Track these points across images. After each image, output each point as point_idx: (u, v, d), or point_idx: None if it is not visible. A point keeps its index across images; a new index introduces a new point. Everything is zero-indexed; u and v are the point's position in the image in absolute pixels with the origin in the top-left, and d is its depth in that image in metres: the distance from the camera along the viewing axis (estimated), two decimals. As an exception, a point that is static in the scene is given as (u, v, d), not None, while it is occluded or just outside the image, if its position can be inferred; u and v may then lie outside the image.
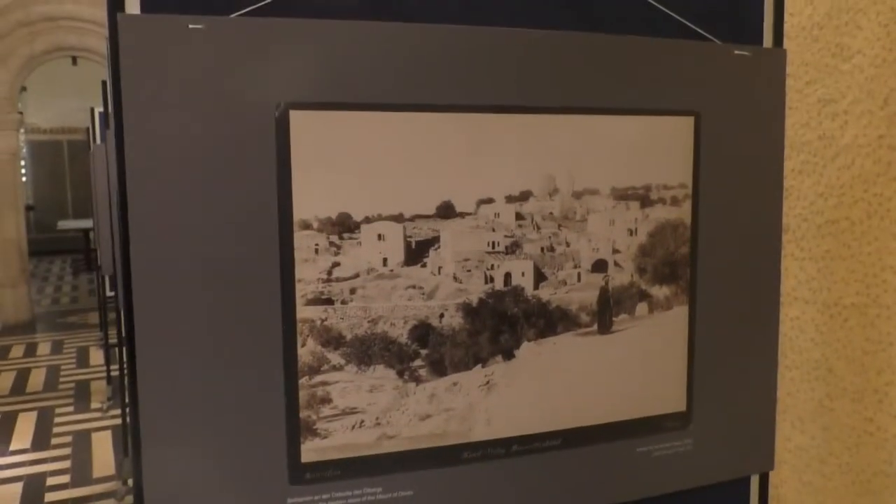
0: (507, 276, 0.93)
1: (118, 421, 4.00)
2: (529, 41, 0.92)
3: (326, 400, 0.86)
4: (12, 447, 3.98)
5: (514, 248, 0.93)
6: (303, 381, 0.85)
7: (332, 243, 0.85)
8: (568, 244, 0.96)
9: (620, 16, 1.03)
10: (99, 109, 4.37)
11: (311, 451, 0.86)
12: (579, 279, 0.96)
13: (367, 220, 0.86)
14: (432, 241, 0.89)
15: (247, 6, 0.84)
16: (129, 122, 0.80)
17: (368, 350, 0.87)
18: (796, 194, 1.33)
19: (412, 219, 0.88)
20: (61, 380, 5.19)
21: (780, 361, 1.26)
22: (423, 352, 0.89)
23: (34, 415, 4.47)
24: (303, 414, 0.86)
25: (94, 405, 4.63)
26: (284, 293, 0.84)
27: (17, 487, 3.49)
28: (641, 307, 1.00)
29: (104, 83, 3.54)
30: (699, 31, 1.02)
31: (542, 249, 0.94)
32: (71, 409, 4.59)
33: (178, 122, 0.81)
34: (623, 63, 0.98)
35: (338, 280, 0.85)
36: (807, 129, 1.31)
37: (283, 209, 0.84)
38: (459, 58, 0.89)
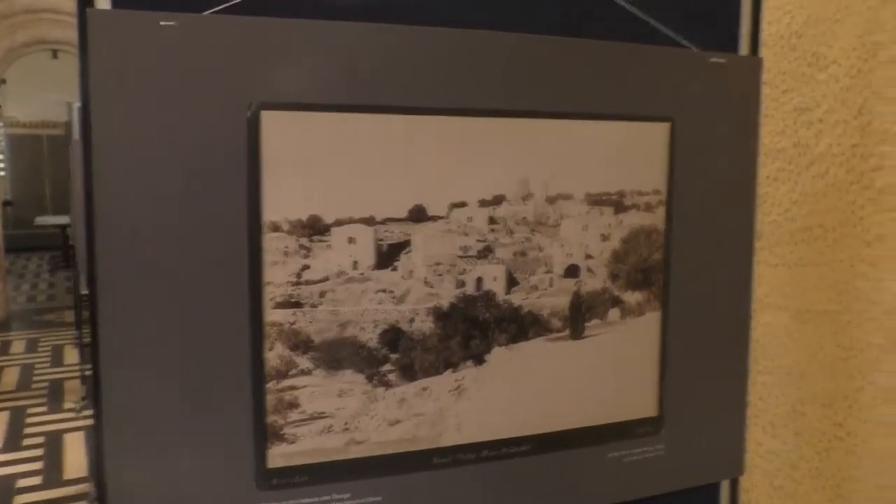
0: (479, 280, 0.92)
1: (91, 422, 3.94)
2: (504, 45, 0.92)
3: (294, 405, 0.85)
4: (-17, 448, 3.93)
5: (486, 253, 0.92)
6: (270, 385, 0.84)
7: (301, 246, 0.84)
8: (541, 249, 0.95)
9: (597, 21, 1.02)
10: (78, 104, 4.32)
11: (277, 456, 0.85)
12: (551, 284, 0.96)
13: (338, 222, 0.85)
14: (403, 245, 0.88)
15: (219, 4, 0.83)
16: (97, 119, 0.78)
17: (337, 354, 0.86)
18: (771, 201, 1.34)
19: (383, 222, 0.87)
20: (35, 379, 5.11)
21: (753, 367, 1.27)
22: (393, 356, 0.89)
23: (6, 415, 4.40)
24: (270, 419, 0.84)
25: (67, 405, 4.57)
26: (252, 296, 0.83)
27: (-12, 488, 3.44)
28: (614, 313, 1.00)
29: (82, 78, 3.49)
30: (676, 38, 1.03)
31: (515, 254, 0.94)
32: (44, 409, 4.52)
33: (147, 119, 0.79)
34: (598, 68, 0.98)
35: (307, 283, 0.84)
36: (782, 137, 1.32)
37: (253, 210, 0.83)
38: (434, 60, 0.89)
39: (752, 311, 1.15)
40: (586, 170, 0.97)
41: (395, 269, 0.88)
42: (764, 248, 1.34)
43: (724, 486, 1.19)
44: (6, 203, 9.42)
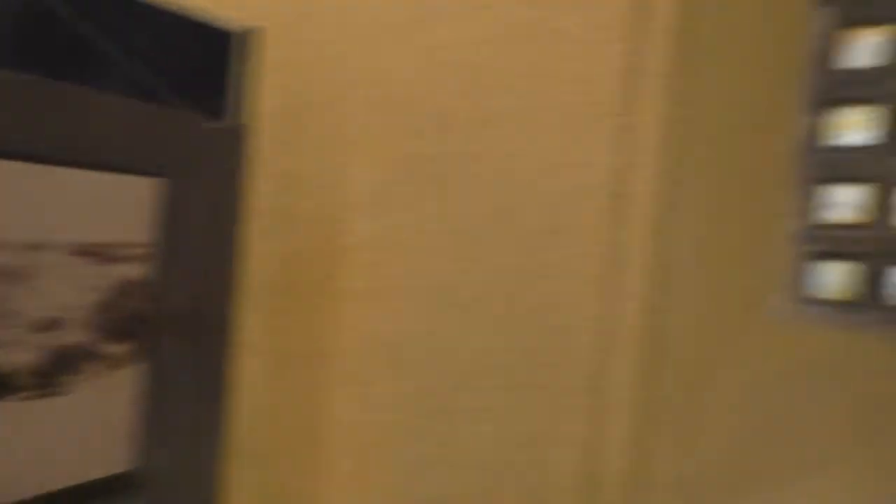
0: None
1: None
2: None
3: None
4: None
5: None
6: None
7: None
8: (13, 301, 0.89)
9: (99, 69, 1.01)
10: None
11: None
12: (23, 340, 0.90)
13: None
14: None
15: None
16: None
17: None
18: (258, 256, 1.48)
19: None
20: None
21: (237, 408, 1.37)
22: None
23: None
24: None
25: None
26: None
27: None
28: (94, 366, 0.98)
29: None
30: (177, 99, 1.07)
31: (-23, 308, 0.85)
32: None
33: None
34: (90, 117, 0.96)
35: None
36: (270, 198, 1.48)
37: None
38: None
39: (235, 356, 1.24)
40: (72, 219, 0.94)
41: None
42: (250, 298, 1.47)
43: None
44: None
